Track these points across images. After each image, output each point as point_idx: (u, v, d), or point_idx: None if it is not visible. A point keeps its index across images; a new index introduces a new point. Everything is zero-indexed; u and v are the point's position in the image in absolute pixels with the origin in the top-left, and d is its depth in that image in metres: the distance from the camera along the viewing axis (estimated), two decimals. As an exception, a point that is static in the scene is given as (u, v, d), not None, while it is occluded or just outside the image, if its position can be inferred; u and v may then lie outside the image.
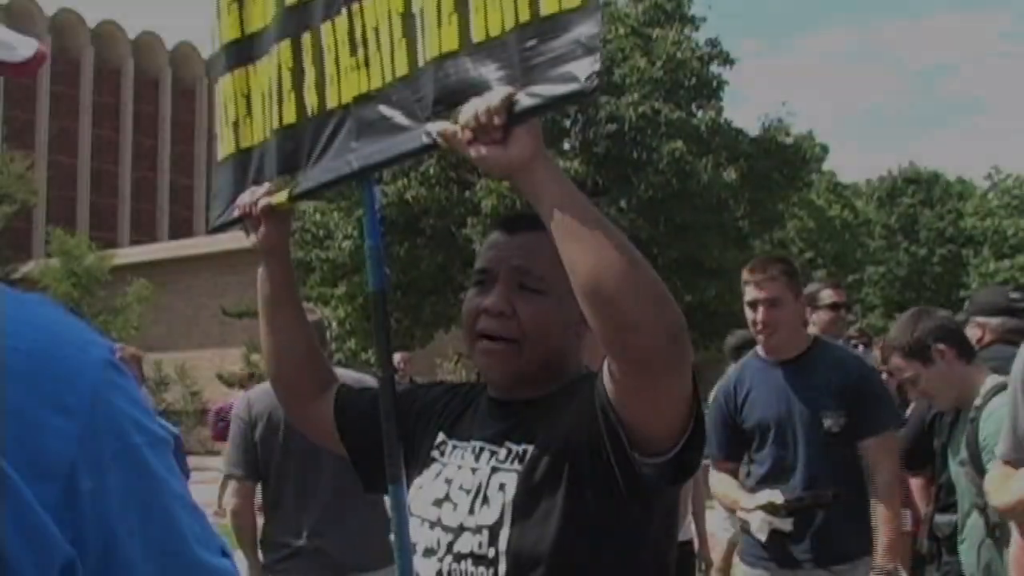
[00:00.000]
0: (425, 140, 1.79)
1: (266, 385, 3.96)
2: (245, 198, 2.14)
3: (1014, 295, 4.31)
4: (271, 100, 2.17)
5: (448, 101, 1.76)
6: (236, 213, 2.18)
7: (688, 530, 4.91)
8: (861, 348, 6.82)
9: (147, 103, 70.76)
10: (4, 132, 47.31)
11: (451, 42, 1.74)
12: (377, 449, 2.01)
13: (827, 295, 5.60)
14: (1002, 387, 3.23)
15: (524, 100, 1.60)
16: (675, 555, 1.89)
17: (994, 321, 4.31)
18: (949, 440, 3.66)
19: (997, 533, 3.20)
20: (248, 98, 2.27)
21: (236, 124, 2.29)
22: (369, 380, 3.36)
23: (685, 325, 1.60)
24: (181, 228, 65.33)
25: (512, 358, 1.83)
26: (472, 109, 1.62)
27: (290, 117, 2.13)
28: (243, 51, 2.27)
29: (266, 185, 2.14)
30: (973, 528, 3.41)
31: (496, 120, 1.59)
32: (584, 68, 1.55)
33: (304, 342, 2.19)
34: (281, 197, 2.09)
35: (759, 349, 4.07)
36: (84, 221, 63.26)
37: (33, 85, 64.79)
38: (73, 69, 67.51)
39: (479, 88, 1.67)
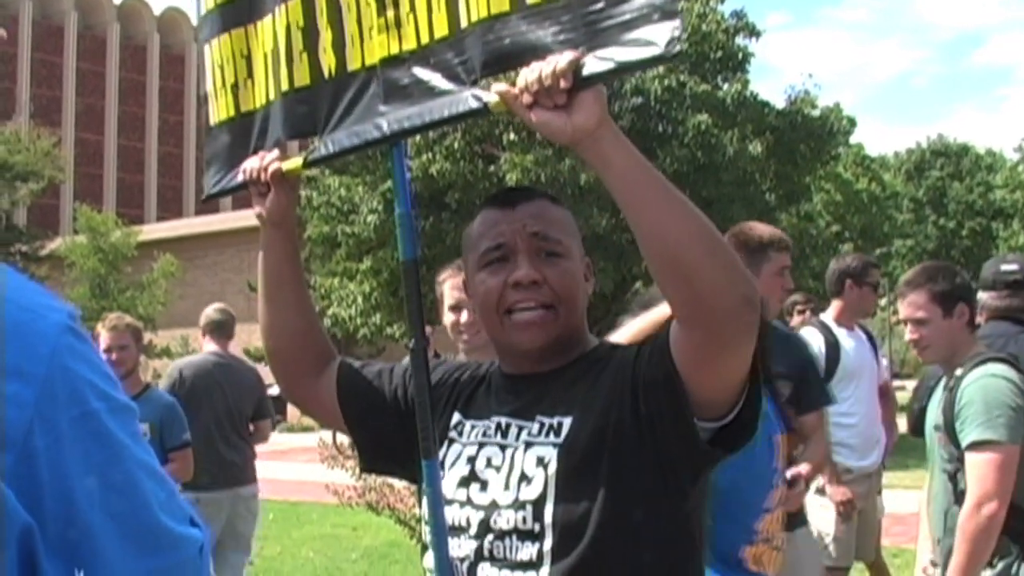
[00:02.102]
0: (473, 104, 1.73)
1: (192, 357, 6.56)
2: (252, 164, 2.03)
3: (1005, 267, 4.11)
4: (277, 62, 2.07)
5: (500, 64, 1.71)
6: (240, 179, 2.08)
7: None
8: (808, 314, 6.60)
9: (173, 79, 70.91)
10: (31, 110, 47.55)
11: (502, 3, 1.68)
12: (377, 427, 1.98)
13: (875, 273, 5.61)
14: (985, 359, 3.39)
15: (593, 64, 1.55)
16: (706, 518, 1.89)
17: (984, 296, 4.23)
18: (927, 404, 3.74)
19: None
20: (249, 59, 2.16)
21: (235, 87, 2.18)
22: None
23: (757, 289, 1.59)
24: (207, 204, 65.49)
25: (551, 324, 1.80)
26: (535, 72, 1.56)
27: (303, 79, 2.03)
28: (240, 11, 2.17)
29: (275, 151, 2.05)
30: (940, 493, 3.48)
31: (562, 83, 1.53)
32: (663, 33, 1.50)
33: (305, 318, 2.10)
34: (295, 163, 2.00)
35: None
36: (111, 197, 63.62)
37: (59, 63, 65.02)
38: (99, 46, 67.69)
39: (537, 51, 1.61)
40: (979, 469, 3.23)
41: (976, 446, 3.24)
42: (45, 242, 33.72)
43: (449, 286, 3.58)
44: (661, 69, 19.47)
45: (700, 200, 19.35)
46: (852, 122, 27.50)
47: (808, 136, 21.22)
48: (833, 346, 5.47)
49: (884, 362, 6.02)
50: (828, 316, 5.65)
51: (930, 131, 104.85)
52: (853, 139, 32.71)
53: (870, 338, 5.82)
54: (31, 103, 52.17)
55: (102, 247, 29.03)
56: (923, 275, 3.59)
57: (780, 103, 21.61)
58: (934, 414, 3.55)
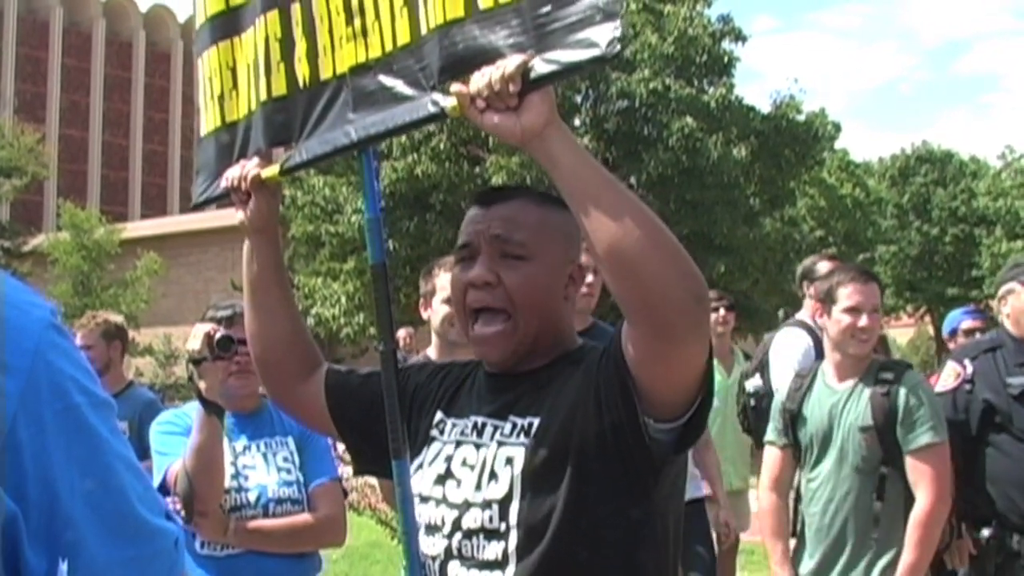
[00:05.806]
0: (432, 109, 1.76)
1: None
2: (233, 172, 2.08)
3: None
4: (258, 72, 2.12)
5: (456, 69, 1.73)
6: (223, 187, 2.13)
7: (699, 487, 4.93)
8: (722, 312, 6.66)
9: (158, 76, 70.68)
10: (15, 105, 47.35)
11: (457, 9, 1.71)
12: (368, 430, 1.99)
13: (823, 267, 5.57)
14: (905, 365, 3.67)
15: (540, 67, 1.58)
16: (682, 520, 1.89)
17: None
18: (802, 407, 3.96)
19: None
20: (234, 71, 2.21)
21: (221, 98, 2.24)
22: None
23: (706, 286, 1.60)
24: (191, 202, 65.33)
25: (506, 337, 1.81)
26: (485, 76, 1.59)
27: (280, 89, 2.08)
28: (229, 23, 2.22)
29: (255, 159, 2.09)
30: (856, 494, 3.64)
31: (511, 87, 1.57)
32: (605, 34, 1.53)
33: (290, 323, 2.12)
34: (272, 170, 2.04)
35: None
36: (95, 194, 63.36)
37: (44, 59, 64.75)
38: (84, 42, 67.43)
39: (489, 55, 1.64)
40: (936, 470, 3.45)
41: (930, 447, 3.45)
42: (28, 238, 33.50)
43: (449, 279, 3.61)
44: (647, 72, 19.51)
45: (684, 204, 19.40)
46: (837, 127, 27.61)
47: (793, 141, 21.30)
48: (819, 343, 5.48)
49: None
50: (804, 315, 5.66)
51: (916, 137, 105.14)
52: (838, 144, 32.85)
53: None
54: (15, 98, 51.93)
55: (85, 244, 28.88)
56: (871, 274, 3.83)
57: (766, 108, 21.71)
58: (854, 415, 3.60)
